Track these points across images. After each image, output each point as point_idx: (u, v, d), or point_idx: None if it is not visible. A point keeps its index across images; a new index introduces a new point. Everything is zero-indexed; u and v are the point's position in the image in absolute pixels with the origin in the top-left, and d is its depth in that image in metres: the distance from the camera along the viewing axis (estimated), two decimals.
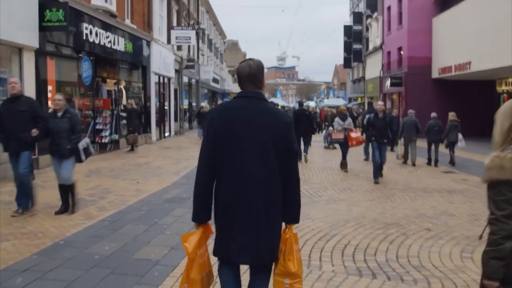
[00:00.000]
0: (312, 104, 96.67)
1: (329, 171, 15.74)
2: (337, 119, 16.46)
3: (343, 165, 16.02)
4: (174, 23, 32.48)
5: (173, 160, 18.01)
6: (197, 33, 39.96)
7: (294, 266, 3.50)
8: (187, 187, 11.74)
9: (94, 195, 10.67)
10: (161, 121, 28.87)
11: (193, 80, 42.78)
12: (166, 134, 30.26)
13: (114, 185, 11.98)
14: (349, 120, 16.31)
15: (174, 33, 30.64)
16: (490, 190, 2.81)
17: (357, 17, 59.16)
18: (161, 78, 29.00)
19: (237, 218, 3.46)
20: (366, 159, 18.71)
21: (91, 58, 18.43)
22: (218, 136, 3.45)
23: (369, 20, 47.34)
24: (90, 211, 9.03)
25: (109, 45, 19.48)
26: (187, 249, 3.46)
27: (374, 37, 45.66)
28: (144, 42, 24.62)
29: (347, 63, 67.58)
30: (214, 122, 3.50)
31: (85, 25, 17.09)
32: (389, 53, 39.86)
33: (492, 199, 2.80)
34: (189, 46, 38.02)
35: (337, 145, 19.41)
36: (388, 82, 37.72)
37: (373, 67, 44.66)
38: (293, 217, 3.63)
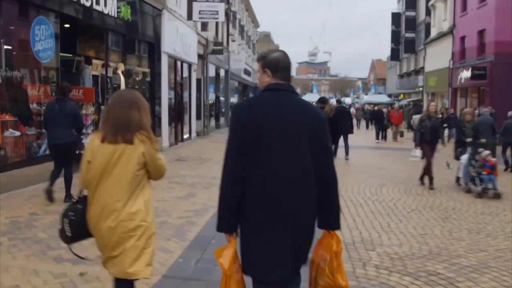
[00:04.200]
0: (348, 100, 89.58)
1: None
2: None
3: None
4: None
5: (183, 188, 10.95)
6: (227, 14, 32.90)
7: (343, 279, 3.25)
8: None
9: None
10: (178, 120, 21.86)
11: (222, 70, 35.73)
12: (185, 137, 23.25)
13: None
14: None
15: (196, 6, 23.51)
16: None
17: (410, 1, 51.50)
18: (179, 63, 21.96)
19: (269, 223, 3.14)
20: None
21: (59, 20, 11.56)
22: (247, 133, 3.12)
23: (432, 1, 39.62)
24: None
25: (88, 3, 12.47)
26: (222, 265, 3.11)
27: (440, 20, 37.94)
28: (152, 10, 17.54)
29: (394, 55, 60.06)
30: (242, 118, 3.17)
31: None
32: (462, 38, 32.21)
33: None
34: (216, 27, 30.98)
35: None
36: (464, 74, 30.13)
37: (438, 56, 36.97)
38: (335, 222, 3.34)
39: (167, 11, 18.78)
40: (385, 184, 12.53)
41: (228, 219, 3.21)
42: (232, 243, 3.21)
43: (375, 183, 12.62)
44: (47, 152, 11.35)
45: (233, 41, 40.53)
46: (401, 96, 65.73)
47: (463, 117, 12.18)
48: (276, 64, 3.30)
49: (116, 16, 14.22)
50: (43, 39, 10.86)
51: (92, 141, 3.77)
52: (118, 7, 14.28)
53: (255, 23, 64.82)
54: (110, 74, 15.05)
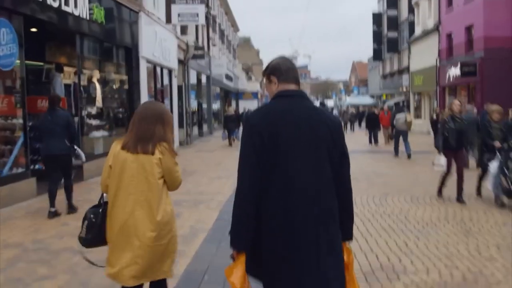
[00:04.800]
0: (330, 103, 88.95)
1: None
2: None
3: None
4: None
5: None
6: (206, 17, 31.80)
7: None
8: None
9: None
10: None
11: (203, 76, 34.58)
12: None
13: None
14: None
15: (175, 9, 22.39)
16: None
17: (392, 0, 50.76)
18: (158, 69, 20.81)
19: (292, 240, 2.88)
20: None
21: (22, 23, 10.37)
22: (263, 141, 2.88)
23: None
24: None
25: (55, 4, 11.28)
26: (234, 285, 2.91)
27: (424, 18, 37.12)
28: (128, 13, 16.38)
29: (377, 56, 59.31)
30: (256, 126, 2.93)
31: None
32: (449, 35, 31.44)
33: None
34: (196, 31, 29.88)
35: None
36: (453, 71, 29.31)
37: (423, 55, 36.17)
38: (348, 232, 3.19)
39: (144, 14, 17.63)
40: (388, 192, 11.49)
41: (243, 235, 2.96)
42: (240, 259, 2.97)
43: (377, 192, 11.57)
44: (14, 171, 10.20)
45: (214, 45, 39.47)
46: (384, 97, 65.14)
47: (490, 116, 10.58)
48: (278, 68, 3.14)
49: (88, 18, 13.03)
50: (4, 44, 9.64)
51: (114, 147, 3.85)
52: (90, 9, 13.09)
53: (235, 27, 63.82)
54: (84, 82, 13.86)
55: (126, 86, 16.74)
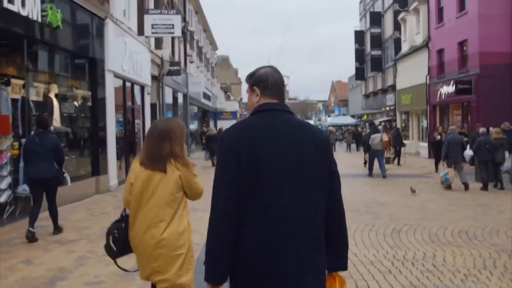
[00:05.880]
0: (310, 123, 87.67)
1: None
2: None
3: None
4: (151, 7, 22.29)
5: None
6: (183, 32, 29.94)
7: None
8: None
9: None
10: (129, 152, 18.51)
11: (179, 95, 32.56)
12: None
13: None
14: None
15: (149, 19, 20.43)
16: None
17: (375, 18, 49.54)
18: (128, 85, 18.73)
19: (272, 273, 2.52)
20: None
21: None
22: (240, 162, 2.54)
23: (401, 15, 37.40)
24: None
25: None
26: None
27: (411, 34, 35.54)
28: (92, 18, 14.31)
29: (359, 75, 58.01)
30: (233, 145, 2.59)
31: None
32: (440, 51, 29.86)
33: None
34: (172, 46, 27.96)
35: None
36: (445, 89, 27.68)
37: (411, 72, 34.55)
38: (342, 262, 2.78)
39: (112, 22, 15.56)
40: (400, 228, 9.56)
41: (219, 268, 2.60)
42: None
43: (386, 227, 9.63)
44: None
45: (191, 62, 37.57)
46: (365, 117, 63.94)
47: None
48: (265, 79, 2.80)
49: (40, 21, 10.97)
50: None
51: (135, 165, 4.04)
52: (43, 10, 11.01)
53: (214, 45, 62.07)
54: (37, 97, 11.79)
55: (89, 103, 14.62)
